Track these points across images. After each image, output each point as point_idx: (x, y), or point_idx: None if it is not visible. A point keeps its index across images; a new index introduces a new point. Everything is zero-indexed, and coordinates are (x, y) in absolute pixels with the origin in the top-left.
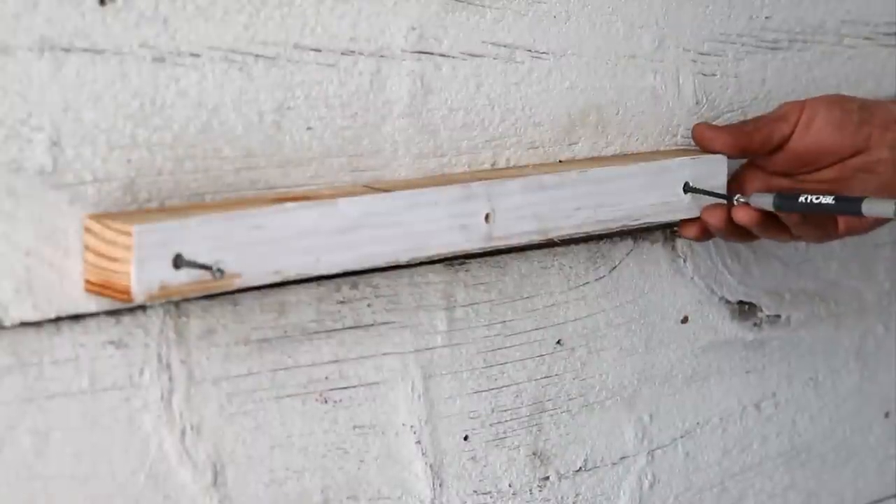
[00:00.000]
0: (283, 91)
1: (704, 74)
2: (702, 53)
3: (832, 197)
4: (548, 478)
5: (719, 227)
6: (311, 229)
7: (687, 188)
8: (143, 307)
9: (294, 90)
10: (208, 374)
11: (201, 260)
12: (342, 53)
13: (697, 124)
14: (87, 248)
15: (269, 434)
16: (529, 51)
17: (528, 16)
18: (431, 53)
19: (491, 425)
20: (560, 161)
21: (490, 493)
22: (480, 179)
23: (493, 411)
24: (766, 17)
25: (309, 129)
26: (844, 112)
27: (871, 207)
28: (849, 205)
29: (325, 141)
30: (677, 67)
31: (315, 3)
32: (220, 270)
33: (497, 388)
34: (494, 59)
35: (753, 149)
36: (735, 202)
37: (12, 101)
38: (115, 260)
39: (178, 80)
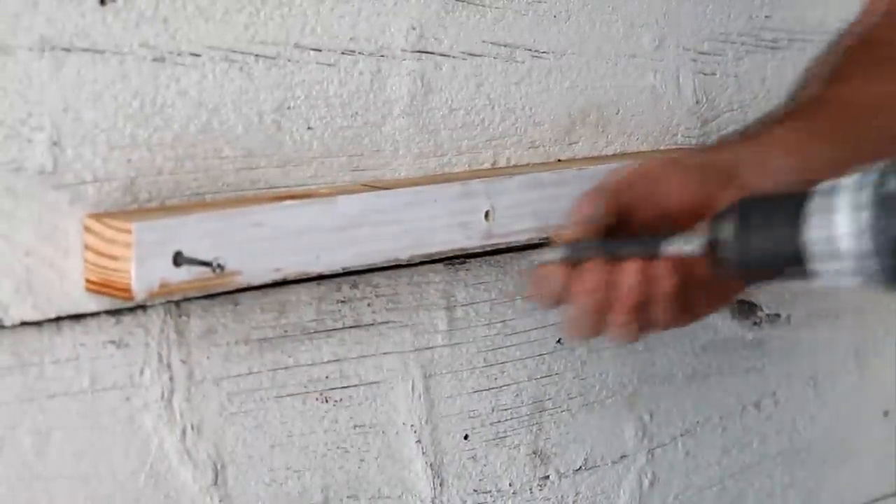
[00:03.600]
0: (284, 91)
1: (704, 74)
2: (702, 53)
3: (629, 241)
4: (548, 477)
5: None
6: (310, 227)
7: None
8: (143, 307)
9: (294, 90)
10: (209, 373)
11: (201, 257)
12: (342, 53)
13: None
14: (87, 247)
15: (270, 433)
16: (530, 50)
17: (528, 15)
18: (432, 53)
19: (491, 424)
20: (559, 161)
21: (490, 492)
22: (480, 178)
23: (493, 410)
24: (766, 17)
25: (309, 128)
26: (690, 170)
27: (674, 246)
28: (649, 245)
29: (326, 140)
30: (677, 67)
31: (315, 3)
32: (221, 266)
33: (497, 388)
34: (495, 58)
35: (605, 229)
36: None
37: (12, 101)
38: (115, 258)
39: (179, 79)
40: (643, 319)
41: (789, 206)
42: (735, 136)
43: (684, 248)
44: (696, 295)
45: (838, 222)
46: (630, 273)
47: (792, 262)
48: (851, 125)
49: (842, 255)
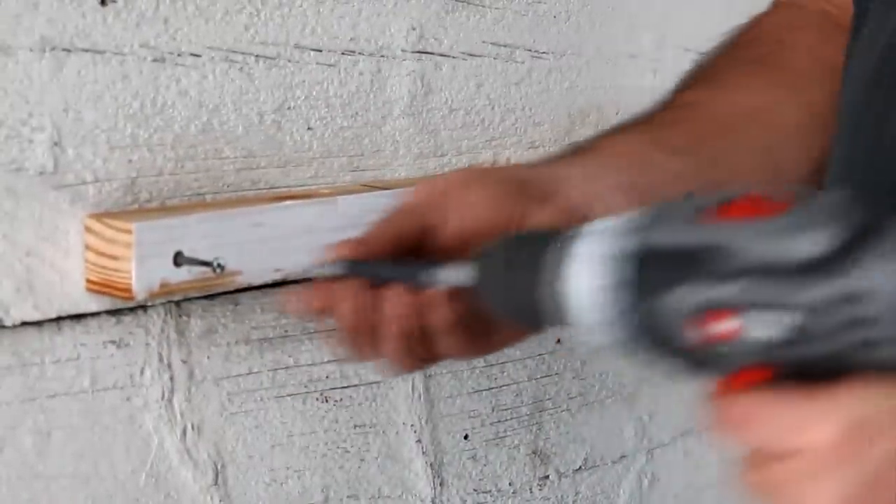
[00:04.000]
0: (284, 91)
1: None
2: (702, 53)
3: (400, 266)
4: (548, 476)
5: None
6: (310, 227)
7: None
8: (143, 307)
9: (294, 90)
10: (209, 373)
11: (202, 257)
12: (342, 53)
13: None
14: (87, 247)
15: (270, 433)
16: (529, 50)
17: (528, 16)
18: (432, 53)
19: (491, 424)
20: None
21: (490, 491)
22: None
23: (493, 410)
24: None
25: (309, 129)
26: (495, 184)
27: (446, 275)
28: (421, 272)
29: (326, 141)
30: (677, 67)
31: (315, 3)
32: (221, 266)
33: (497, 388)
34: (494, 58)
35: (404, 251)
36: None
37: (13, 102)
38: (115, 258)
39: (179, 80)
40: (419, 350)
41: (551, 246)
42: (574, 146)
43: (452, 278)
44: (490, 324)
45: (594, 273)
46: (391, 301)
47: (549, 311)
48: (713, 136)
49: (595, 310)
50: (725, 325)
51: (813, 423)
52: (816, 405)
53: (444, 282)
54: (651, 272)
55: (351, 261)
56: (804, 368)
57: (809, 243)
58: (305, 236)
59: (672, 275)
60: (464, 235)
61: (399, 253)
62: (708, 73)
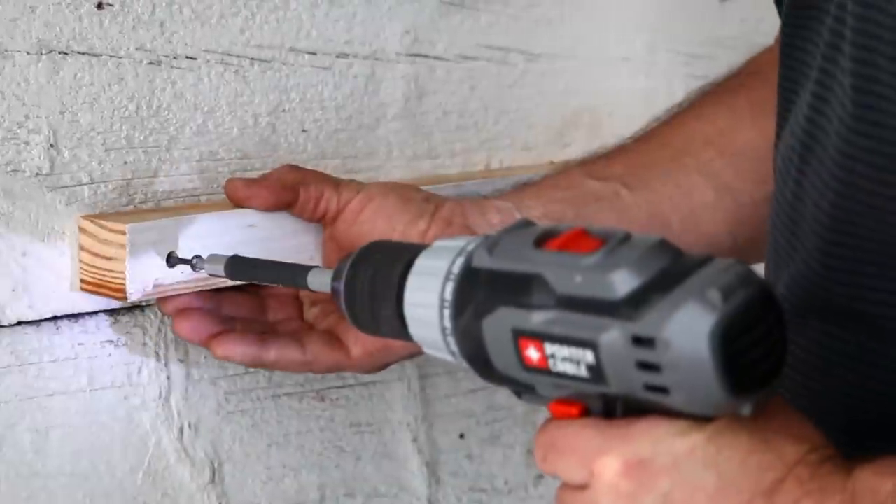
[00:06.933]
0: (279, 94)
1: (696, 77)
2: (694, 56)
3: (292, 266)
4: (542, 476)
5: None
6: (304, 228)
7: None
8: (140, 307)
9: (289, 93)
10: (206, 372)
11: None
12: (337, 56)
13: (230, 181)
14: (82, 248)
15: (267, 432)
16: (523, 53)
17: (521, 19)
18: (426, 56)
19: (486, 423)
20: (552, 163)
21: (486, 490)
22: (473, 180)
23: (488, 409)
24: (758, 21)
25: (304, 131)
26: (403, 200)
27: (315, 280)
28: (296, 275)
29: (320, 143)
30: (669, 70)
31: (310, 6)
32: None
33: (492, 387)
34: (488, 61)
35: (297, 204)
36: (194, 264)
37: (10, 104)
38: (109, 259)
39: (175, 82)
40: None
41: (400, 259)
42: (522, 182)
43: (321, 283)
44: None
45: (430, 287)
46: (279, 359)
47: (395, 323)
48: (658, 162)
49: (430, 325)
50: (536, 354)
51: (603, 455)
52: (609, 439)
53: (314, 285)
54: (470, 293)
55: (233, 258)
56: (610, 406)
57: (611, 284)
58: (300, 237)
59: (489, 298)
60: (352, 240)
61: (295, 206)
62: (691, 102)
